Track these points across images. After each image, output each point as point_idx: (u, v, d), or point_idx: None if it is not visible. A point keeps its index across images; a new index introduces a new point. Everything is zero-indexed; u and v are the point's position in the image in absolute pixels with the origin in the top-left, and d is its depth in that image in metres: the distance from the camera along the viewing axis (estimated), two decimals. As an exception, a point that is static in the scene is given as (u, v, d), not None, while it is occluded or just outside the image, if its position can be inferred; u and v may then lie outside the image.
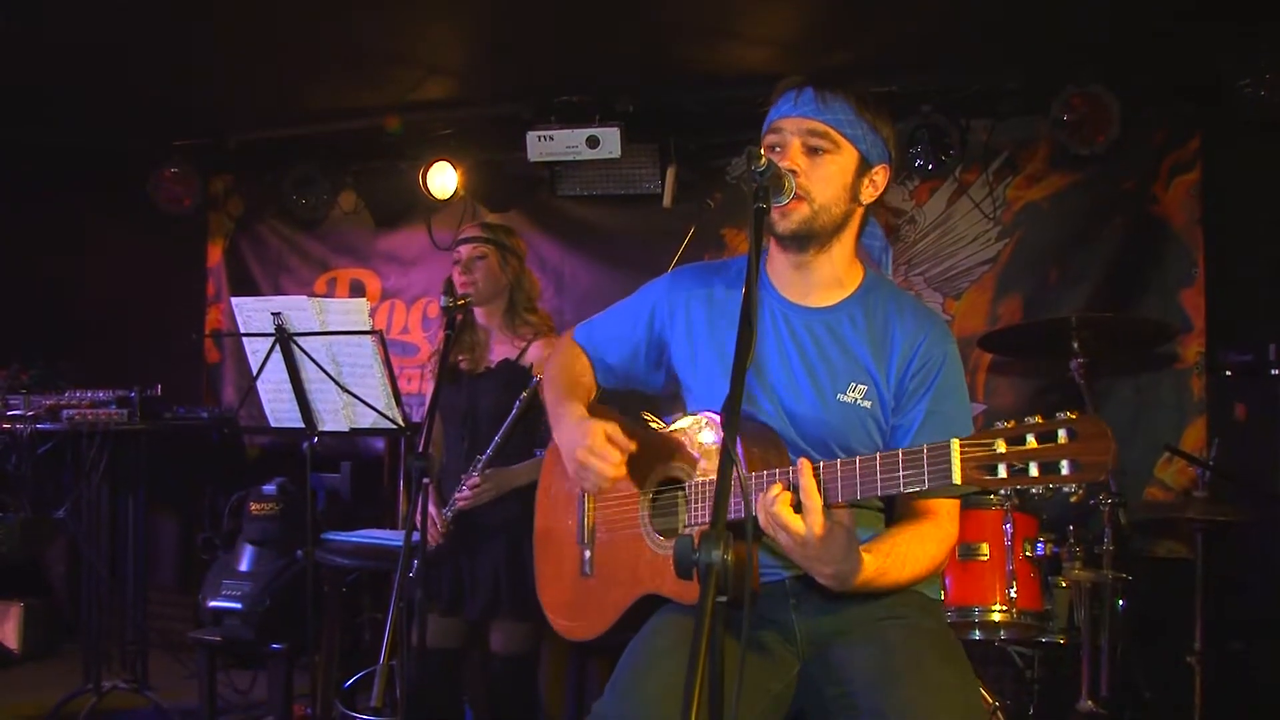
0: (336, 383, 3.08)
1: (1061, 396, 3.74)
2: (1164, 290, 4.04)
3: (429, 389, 3.43)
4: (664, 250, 3.21)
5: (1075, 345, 3.25)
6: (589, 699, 3.55)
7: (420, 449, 2.80)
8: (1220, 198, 3.99)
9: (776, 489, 1.62)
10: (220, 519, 4.68)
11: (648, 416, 2.12)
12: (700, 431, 1.90)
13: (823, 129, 1.85)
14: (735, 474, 1.42)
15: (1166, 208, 4.05)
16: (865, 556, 1.67)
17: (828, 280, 1.94)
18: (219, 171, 5.55)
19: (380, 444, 4.87)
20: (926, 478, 1.52)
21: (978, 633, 3.05)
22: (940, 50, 4.02)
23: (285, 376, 3.11)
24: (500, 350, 3.33)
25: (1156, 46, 3.82)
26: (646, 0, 3.71)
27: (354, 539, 3.65)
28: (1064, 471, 1.40)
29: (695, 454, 1.89)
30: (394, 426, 3.11)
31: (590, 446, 1.87)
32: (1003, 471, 1.44)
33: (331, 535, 3.68)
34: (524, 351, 3.29)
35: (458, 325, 3.19)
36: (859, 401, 1.86)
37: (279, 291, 5.43)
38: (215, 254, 5.69)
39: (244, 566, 4.06)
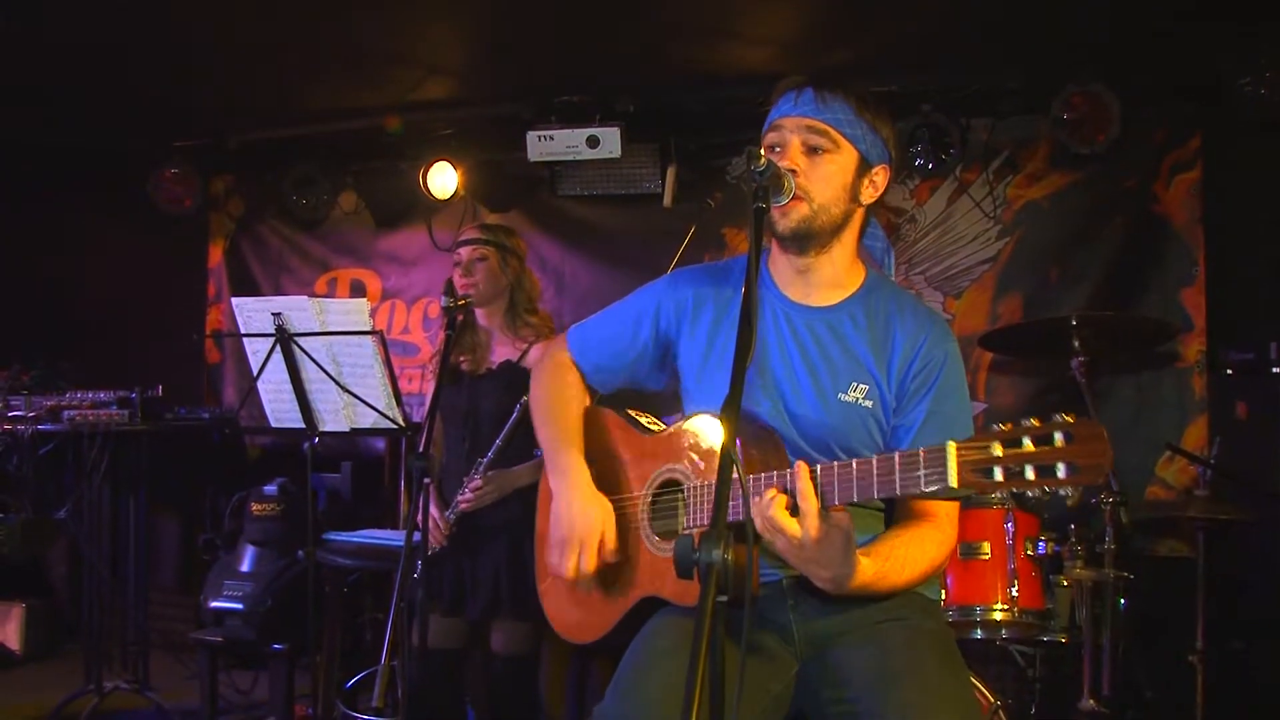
0: (337, 383, 3.08)
1: (1062, 396, 3.74)
2: (1165, 289, 4.04)
3: (429, 389, 3.43)
4: (664, 250, 3.21)
5: (1076, 344, 3.24)
6: (590, 699, 3.55)
7: (421, 449, 2.80)
8: (1221, 196, 3.99)
9: (772, 493, 1.62)
10: (221, 519, 4.68)
11: (647, 418, 2.12)
12: (699, 433, 1.89)
13: (822, 128, 1.85)
14: (735, 475, 1.42)
15: (1167, 207, 4.05)
16: (863, 560, 1.67)
17: (829, 280, 1.94)
18: (219, 172, 5.55)
19: (381, 444, 4.87)
20: (923, 481, 1.51)
21: (979, 632, 3.05)
22: (940, 50, 4.02)
23: (286, 377, 3.11)
24: (502, 351, 3.33)
25: (1157, 45, 3.82)
26: (646, 0, 3.71)
27: (355, 539, 3.65)
28: (1060, 475, 1.39)
29: (694, 456, 1.89)
30: (395, 427, 3.11)
31: (584, 539, 1.93)
32: (999, 475, 1.43)
33: (332, 535, 3.68)
34: (525, 353, 3.29)
35: (459, 326, 3.19)
36: (860, 401, 1.86)
37: (280, 292, 5.43)
38: (216, 254, 5.69)
39: (245, 567, 4.06)
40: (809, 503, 1.58)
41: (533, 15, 3.81)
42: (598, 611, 2.04)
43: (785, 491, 1.62)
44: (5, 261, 5.29)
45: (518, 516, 3.04)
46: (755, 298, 1.57)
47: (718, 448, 1.81)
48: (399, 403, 3.10)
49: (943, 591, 3.01)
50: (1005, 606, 3.00)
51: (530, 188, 5.03)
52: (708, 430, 1.88)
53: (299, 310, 3.04)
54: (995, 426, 1.46)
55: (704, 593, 1.30)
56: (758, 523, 1.61)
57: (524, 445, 3.22)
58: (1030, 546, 3.06)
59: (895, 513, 1.88)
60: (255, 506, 4.15)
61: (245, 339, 3.14)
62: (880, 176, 1.93)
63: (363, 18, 3.83)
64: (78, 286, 5.47)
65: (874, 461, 1.58)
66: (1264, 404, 3.69)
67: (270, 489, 4.16)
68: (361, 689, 3.97)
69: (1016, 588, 3.00)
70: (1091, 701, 3.02)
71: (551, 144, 4.31)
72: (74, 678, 4.13)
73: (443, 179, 4.79)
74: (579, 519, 1.95)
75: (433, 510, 3.12)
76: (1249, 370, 3.52)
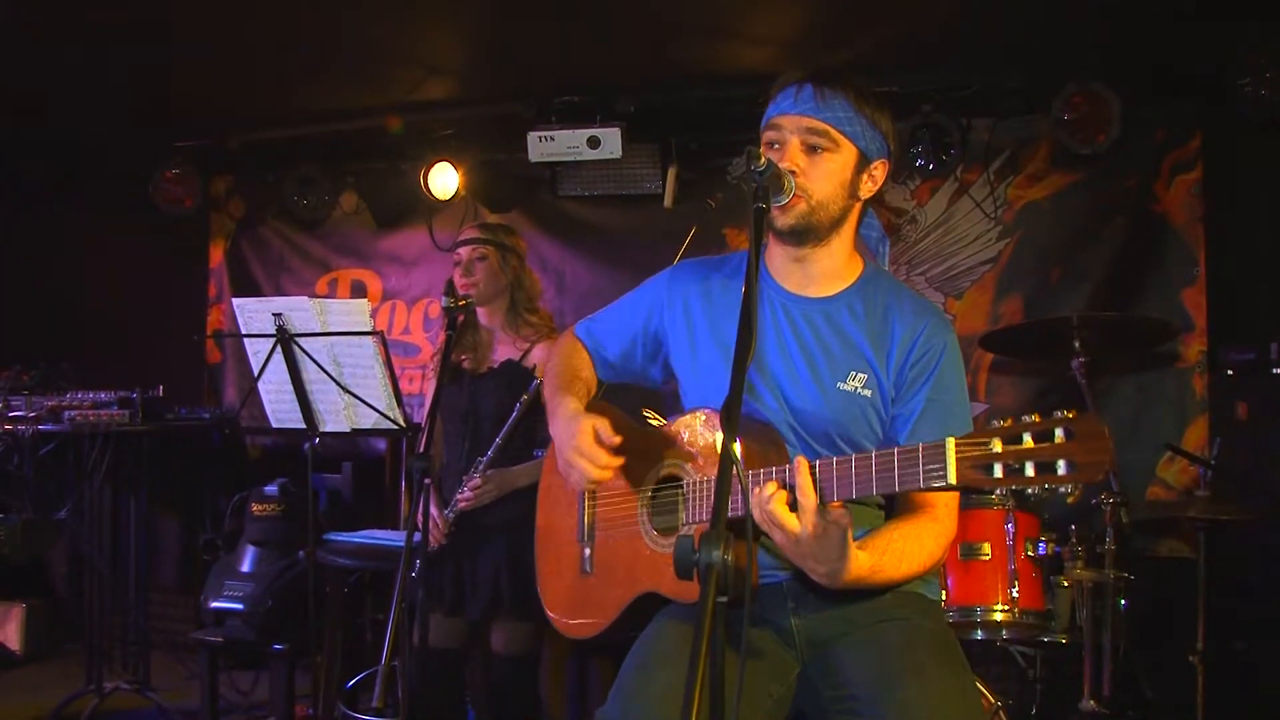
0: (338, 383, 3.08)
1: (1063, 396, 3.74)
2: (1165, 289, 4.04)
3: (430, 389, 3.43)
4: (665, 250, 3.22)
5: (1076, 344, 3.25)
6: (590, 699, 3.56)
7: (421, 449, 2.80)
8: (1221, 196, 3.99)
9: (772, 487, 1.62)
10: (222, 519, 4.67)
11: (649, 413, 2.12)
12: (699, 429, 1.90)
13: (822, 128, 1.85)
14: (735, 472, 1.42)
15: (1168, 206, 4.05)
16: (860, 554, 1.66)
17: (827, 272, 1.95)
18: (220, 172, 5.55)
19: (382, 444, 4.87)
20: (922, 477, 1.51)
21: (980, 632, 3.05)
22: (940, 50, 4.01)
23: (287, 377, 3.12)
24: (504, 351, 3.33)
25: (1157, 45, 3.82)
26: (646, 0, 3.71)
27: (355, 539, 3.65)
28: (1061, 471, 1.38)
29: (694, 452, 1.89)
30: (395, 427, 3.11)
31: (578, 446, 1.87)
32: (999, 471, 1.43)
33: (333, 536, 3.69)
34: (527, 353, 3.29)
35: (460, 325, 3.19)
36: (859, 390, 1.86)
37: (280, 292, 5.43)
38: (217, 255, 5.69)
39: (246, 567, 4.06)
40: (808, 497, 1.58)
41: (533, 15, 3.81)
42: (597, 607, 2.04)
43: (785, 487, 1.62)
44: (6, 262, 5.29)
45: (518, 516, 3.03)
46: (755, 297, 1.57)
47: (716, 443, 1.81)
48: (399, 403, 3.10)
49: (943, 592, 3.01)
50: (1006, 607, 3.00)
51: (531, 188, 5.03)
52: (707, 426, 1.88)
53: (300, 311, 3.04)
54: (995, 422, 1.45)
55: (704, 594, 1.30)
56: (756, 515, 1.61)
57: (524, 445, 3.23)
58: (1031, 547, 3.06)
59: (895, 503, 1.88)
60: (256, 507, 4.14)
61: (246, 339, 3.15)
62: (879, 171, 1.93)
63: (363, 18, 3.83)
64: (79, 287, 5.47)
65: (873, 457, 1.58)
66: (1264, 404, 3.69)
67: (271, 489, 4.16)
68: (362, 689, 3.97)
69: (1017, 588, 3.00)
70: (1092, 702, 3.02)
71: (552, 144, 4.31)
72: (74, 678, 4.13)
73: (443, 179, 4.79)
74: (572, 433, 1.90)
75: (432, 509, 3.12)
76: (1249, 370, 3.52)
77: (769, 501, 1.61)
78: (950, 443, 1.47)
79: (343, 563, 3.69)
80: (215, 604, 3.98)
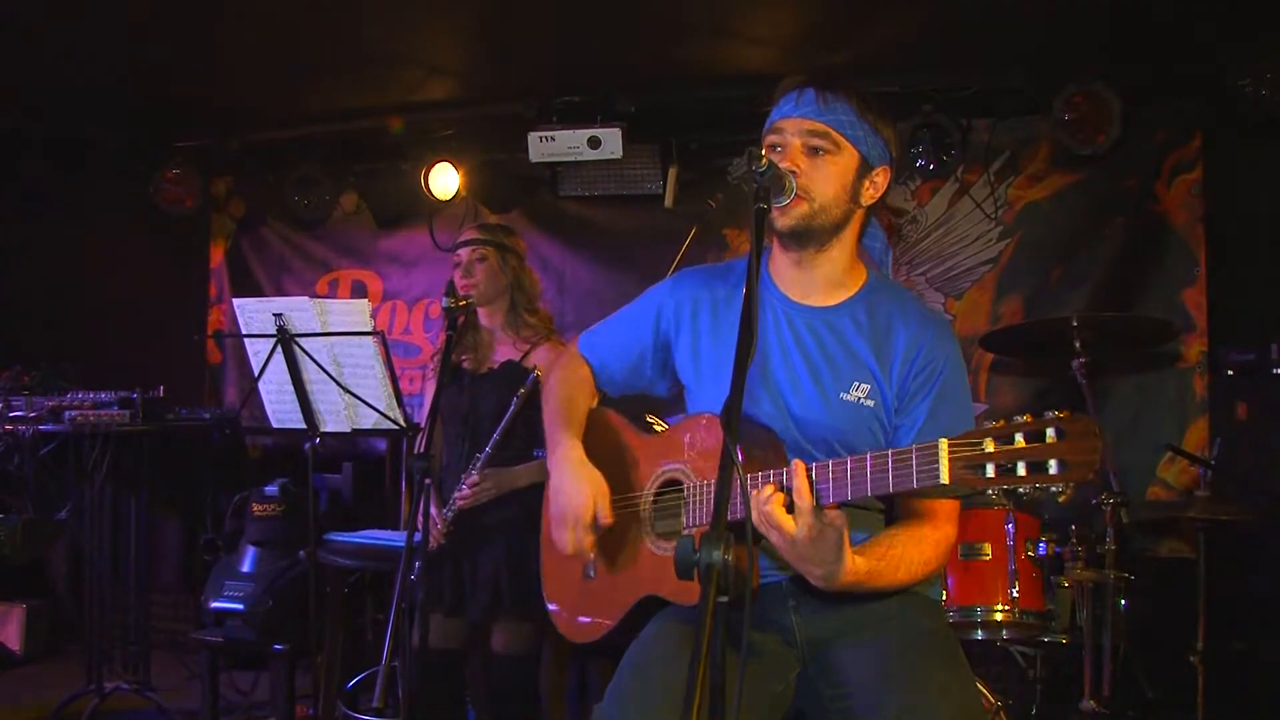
0: (338, 383, 3.08)
1: (1063, 396, 3.73)
2: (1166, 289, 4.04)
3: (430, 390, 3.43)
4: (666, 250, 3.22)
5: (1077, 345, 3.24)
6: (590, 699, 3.55)
7: (421, 449, 2.80)
8: (1221, 197, 3.99)
9: (770, 489, 1.63)
10: (222, 520, 4.67)
11: (650, 418, 2.13)
12: (700, 433, 1.89)
13: (824, 130, 1.85)
14: (735, 476, 1.42)
15: (1168, 207, 4.05)
16: (857, 559, 1.67)
17: (830, 280, 1.94)
18: (221, 172, 5.56)
19: (382, 445, 4.87)
20: (915, 478, 1.51)
21: (980, 632, 3.04)
22: (940, 50, 4.01)
23: (287, 377, 3.12)
24: (504, 351, 3.33)
25: (1157, 45, 3.82)
26: (647, 0, 3.71)
27: (356, 539, 3.65)
28: (1052, 471, 1.39)
29: (695, 456, 1.89)
30: (395, 427, 3.11)
31: (578, 517, 1.93)
32: (991, 471, 1.43)
33: (333, 536, 3.68)
34: (527, 354, 3.29)
35: (460, 326, 3.19)
36: (862, 400, 1.86)
37: (281, 292, 5.43)
38: (217, 255, 5.69)
39: (246, 567, 4.06)
40: (805, 499, 1.58)
41: (533, 15, 3.81)
42: (600, 610, 2.04)
43: (782, 489, 1.63)
44: (7, 262, 5.29)
45: (517, 517, 3.04)
46: (756, 298, 1.57)
47: (717, 447, 1.81)
48: (400, 403, 3.10)
49: (944, 592, 3.01)
50: (1006, 607, 3.00)
51: (531, 188, 5.03)
52: (708, 430, 1.88)
53: (300, 311, 3.04)
54: (988, 423, 1.46)
55: (705, 594, 1.30)
56: (754, 516, 1.62)
57: (523, 445, 3.23)
58: (1031, 547, 3.06)
59: (895, 511, 1.88)
60: (256, 507, 4.14)
61: (246, 339, 3.15)
62: (881, 177, 1.93)
63: (364, 19, 3.83)
64: (79, 287, 5.47)
65: (868, 459, 1.58)
66: (1265, 404, 3.70)
67: (271, 489, 4.16)
68: (362, 689, 3.97)
69: (1017, 588, 3.00)
70: (1092, 702, 3.02)
71: (553, 145, 4.31)
72: (75, 678, 4.13)
73: (444, 180, 4.79)
74: (570, 494, 1.96)
75: (432, 510, 3.12)
76: (1250, 371, 3.52)
77: (766, 503, 1.61)
78: (943, 443, 1.48)
79: (343, 563, 3.69)
80: (215, 604, 3.98)
